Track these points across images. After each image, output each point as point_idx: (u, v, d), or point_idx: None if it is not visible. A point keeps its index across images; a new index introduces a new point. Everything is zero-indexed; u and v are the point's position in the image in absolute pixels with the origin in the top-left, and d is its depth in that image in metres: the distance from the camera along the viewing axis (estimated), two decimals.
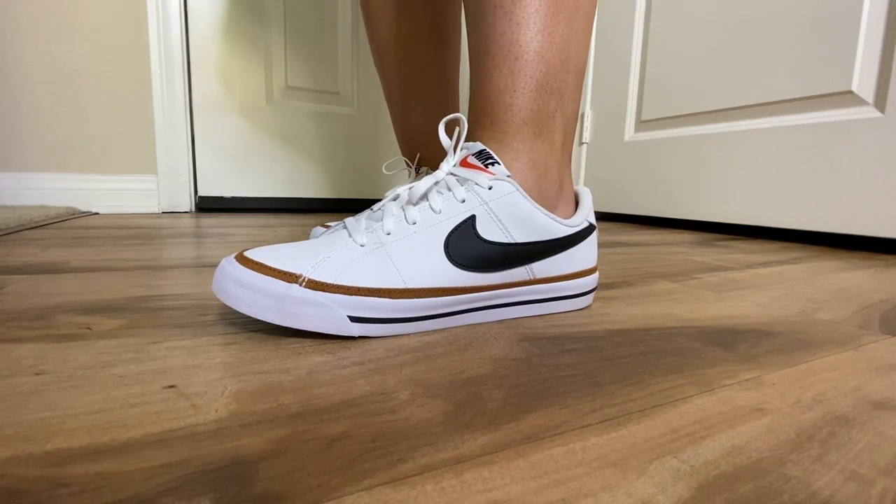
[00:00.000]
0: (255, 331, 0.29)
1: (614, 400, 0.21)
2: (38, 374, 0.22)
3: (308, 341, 0.27)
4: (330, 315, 0.27)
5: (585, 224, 0.36)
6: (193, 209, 1.32)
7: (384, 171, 0.66)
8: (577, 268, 0.35)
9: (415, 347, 0.27)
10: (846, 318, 0.36)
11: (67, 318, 0.30)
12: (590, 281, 0.36)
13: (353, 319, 0.27)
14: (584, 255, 0.36)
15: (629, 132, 1.26)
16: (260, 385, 0.21)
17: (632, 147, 1.24)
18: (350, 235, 0.30)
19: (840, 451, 0.17)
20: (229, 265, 0.28)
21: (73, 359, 0.24)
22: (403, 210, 0.31)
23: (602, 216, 1.46)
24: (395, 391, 0.21)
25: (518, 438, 0.18)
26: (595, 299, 0.40)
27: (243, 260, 0.28)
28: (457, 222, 0.30)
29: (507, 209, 0.31)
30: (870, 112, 0.77)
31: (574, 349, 0.28)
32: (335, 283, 0.27)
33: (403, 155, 0.71)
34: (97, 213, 1.18)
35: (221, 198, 1.35)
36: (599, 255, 0.66)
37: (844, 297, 0.43)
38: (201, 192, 1.32)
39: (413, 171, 0.68)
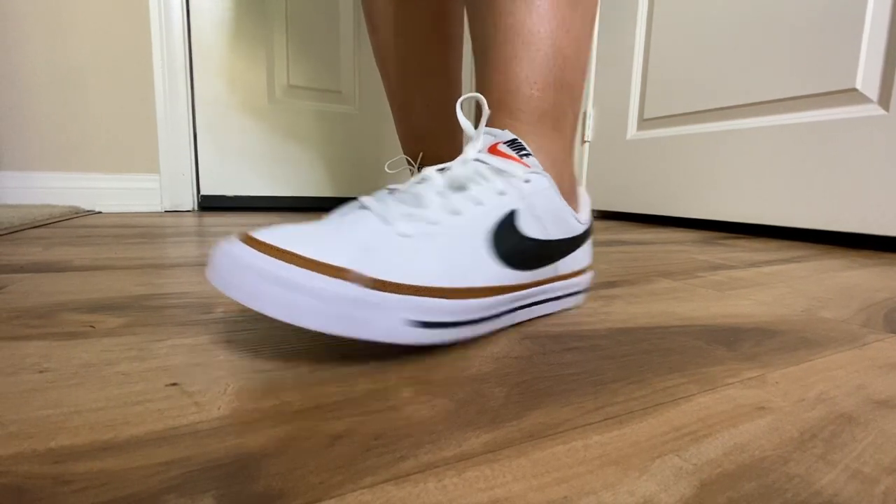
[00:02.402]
0: (257, 329, 0.29)
1: (616, 398, 0.21)
2: (41, 371, 0.22)
3: (310, 339, 0.27)
4: (391, 320, 0.22)
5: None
6: (196, 208, 1.32)
7: (386, 169, 0.66)
8: (581, 265, 0.35)
9: (417, 345, 0.27)
10: (850, 317, 0.36)
11: (71, 316, 0.31)
12: (588, 277, 0.37)
13: (413, 324, 0.23)
14: (586, 252, 0.36)
15: (632, 130, 1.26)
16: (262, 383, 0.21)
17: (634, 145, 1.24)
18: (386, 222, 0.25)
19: (843, 450, 0.17)
20: (245, 251, 0.21)
21: (77, 356, 0.24)
22: (444, 197, 0.27)
23: (604, 215, 1.46)
24: (397, 389, 0.21)
25: (520, 436, 0.18)
26: (597, 298, 0.40)
27: (263, 246, 0.21)
28: (500, 216, 0.28)
29: (545, 205, 0.30)
30: (874, 110, 0.76)
31: (576, 347, 0.27)
32: (395, 281, 0.22)
33: (405, 154, 0.71)
34: (100, 212, 1.19)
35: (224, 196, 1.35)
36: (602, 253, 0.66)
37: (848, 295, 0.43)
38: (204, 191, 1.32)
39: (416, 169, 0.68)
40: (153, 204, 1.26)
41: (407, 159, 0.70)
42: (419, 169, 0.68)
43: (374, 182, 1.55)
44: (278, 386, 0.21)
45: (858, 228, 0.78)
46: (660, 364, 0.25)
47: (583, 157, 1.42)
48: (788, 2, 0.87)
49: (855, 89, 0.78)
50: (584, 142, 1.41)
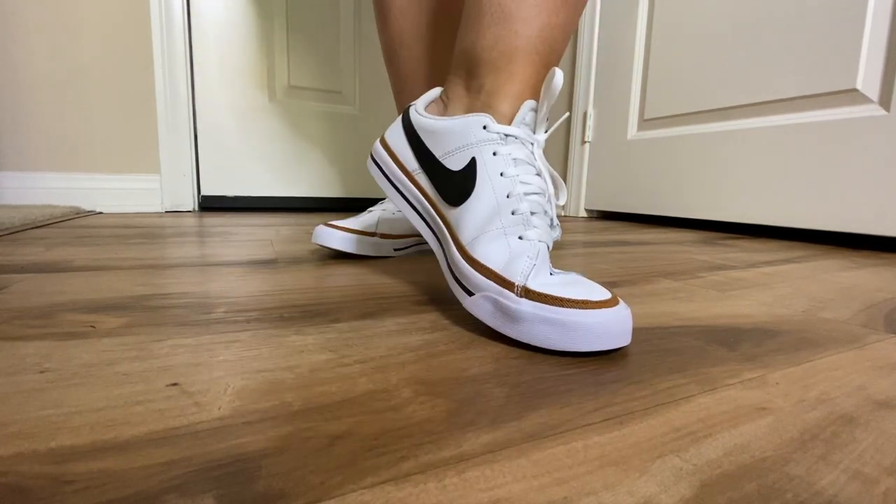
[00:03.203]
0: (258, 329, 0.29)
1: (617, 399, 0.21)
2: (42, 371, 0.22)
3: (310, 338, 0.27)
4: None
5: None
6: (196, 208, 1.32)
7: None
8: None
9: (417, 346, 0.27)
10: (850, 318, 0.36)
11: (71, 316, 0.31)
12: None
13: None
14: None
15: (632, 130, 1.26)
16: (262, 383, 0.21)
17: (635, 146, 1.24)
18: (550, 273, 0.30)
19: (844, 451, 0.17)
20: (618, 317, 0.26)
21: (77, 357, 0.24)
22: None
23: (605, 215, 1.46)
24: (398, 389, 0.21)
25: (520, 437, 0.18)
26: None
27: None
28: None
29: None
30: (874, 110, 0.76)
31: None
32: None
33: None
34: (101, 213, 1.19)
35: (224, 197, 1.35)
36: (602, 253, 0.66)
37: (849, 296, 0.43)
38: (204, 192, 1.32)
39: None
40: (154, 204, 1.26)
41: None
42: None
43: (374, 182, 1.55)
44: (279, 386, 0.21)
45: (859, 229, 0.78)
46: (660, 364, 0.25)
47: (583, 158, 1.42)
48: (789, 2, 0.87)
49: (855, 89, 0.78)
50: (584, 142, 1.41)
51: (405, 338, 0.28)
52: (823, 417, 0.20)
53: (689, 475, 0.16)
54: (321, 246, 0.59)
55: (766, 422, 0.19)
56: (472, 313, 0.30)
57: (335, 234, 0.56)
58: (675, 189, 1.12)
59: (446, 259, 0.35)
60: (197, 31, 1.26)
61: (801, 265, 0.60)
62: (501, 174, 0.34)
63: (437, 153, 0.38)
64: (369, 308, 0.35)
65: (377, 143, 0.44)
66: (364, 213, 0.62)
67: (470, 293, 0.30)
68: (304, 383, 0.21)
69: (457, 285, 0.32)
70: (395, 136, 0.42)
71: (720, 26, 1.00)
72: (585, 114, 1.39)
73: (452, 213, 0.35)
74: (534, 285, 0.27)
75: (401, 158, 0.41)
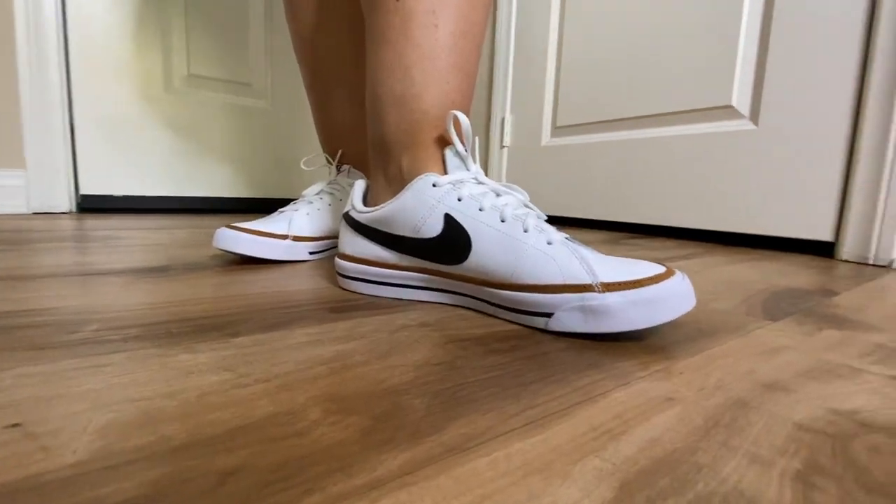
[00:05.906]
0: (137, 349, 0.25)
1: (537, 400, 0.21)
2: None
3: (202, 357, 0.24)
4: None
5: None
6: (74, 209, 1.15)
7: (303, 166, 0.62)
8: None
9: (330, 358, 0.25)
10: (735, 307, 0.40)
11: None
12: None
13: None
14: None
15: (546, 137, 1.32)
16: (136, 414, 0.18)
17: (548, 151, 1.30)
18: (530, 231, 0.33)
19: (741, 435, 0.18)
20: (684, 283, 0.29)
21: None
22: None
23: None
24: (305, 410, 0.19)
25: (440, 452, 0.16)
26: None
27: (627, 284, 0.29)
28: None
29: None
30: (746, 124, 0.87)
31: (498, 349, 0.27)
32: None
33: (325, 151, 0.67)
34: None
35: (110, 196, 1.19)
36: None
37: (731, 287, 0.48)
38: (84, 191, 1.15)
39: (334, 168, 0.65)
40: (17, 204, 1.07)
41: (326, 157, 0.66)
42: (338, 167, 0.65)
43: (287, 181, 1.46)
44: (157, 417, 0.18)
45: (737, 228, 0.89)
46: (577, 361, 0.26)
47: (502, 161, 1.46)
48: (677, 24, 0.97)
49: (731, 106, 0.89)
50: (502, 146, 1.45)
51: (317, 350, 0.26)
52: (722, 403, 0.21)
53: (610, 475, 0.15)
54: (224, 251, 0.53)
55: (675, 412, 0.20)
56: (561, 329, 0.30)
57: (240, 237, 0.51)
58: (584, 193, 1.19)
59: (488, 302, 0.34)
60: (74, 8, 1.10)
61: (692, 261, 0.66)
62: (480, 209, 0.34)
63: (407, 232, 0.37)
64: (277, 318, 0.32)
65: (337, 262, 0.42)
66: (274, 213, 0.57)
67: (548, 314, 0.30)
68: (190, 411, 0.18)
69: (524, 315, 0.32)
70: (350, 243, 0.41)
71: (618, 45, 1.08)
72: (503, 119, 1.44)
73: (465, 268, 0.34)
74: (605, 277, 0.29)
75: (370, 257, 0.39)
